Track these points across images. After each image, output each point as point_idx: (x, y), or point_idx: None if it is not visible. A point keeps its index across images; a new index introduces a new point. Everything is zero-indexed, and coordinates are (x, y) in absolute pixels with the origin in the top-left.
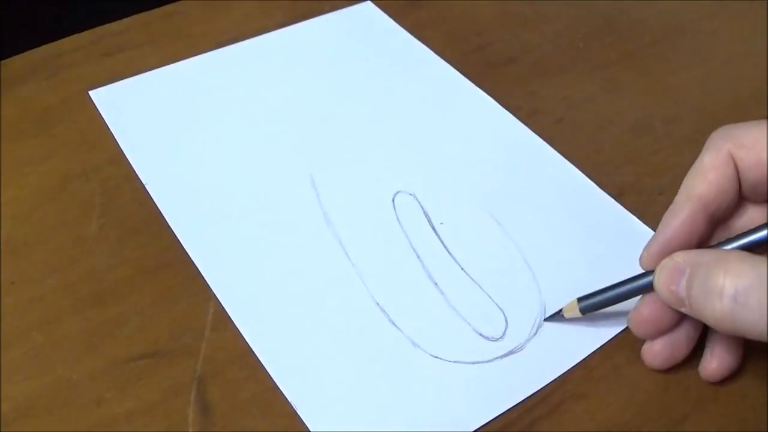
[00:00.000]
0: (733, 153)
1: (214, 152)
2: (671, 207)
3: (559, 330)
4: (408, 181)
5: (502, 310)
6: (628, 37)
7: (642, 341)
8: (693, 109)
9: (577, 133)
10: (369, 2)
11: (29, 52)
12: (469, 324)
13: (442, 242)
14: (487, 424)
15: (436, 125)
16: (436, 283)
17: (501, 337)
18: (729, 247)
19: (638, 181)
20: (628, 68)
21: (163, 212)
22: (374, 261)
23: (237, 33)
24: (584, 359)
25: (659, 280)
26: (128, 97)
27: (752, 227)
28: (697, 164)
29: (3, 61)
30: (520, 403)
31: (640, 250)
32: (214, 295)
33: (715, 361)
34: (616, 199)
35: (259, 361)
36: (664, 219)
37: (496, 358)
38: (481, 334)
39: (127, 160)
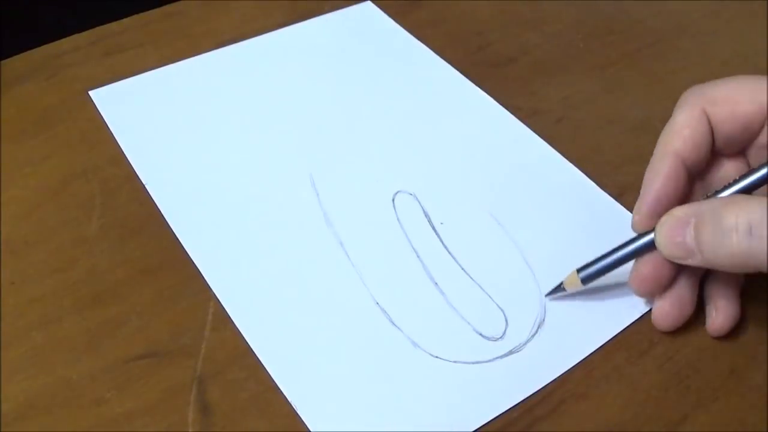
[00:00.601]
0: (706, 109)
1: (214, 152)
2: (650, 167)
3: (559, 330)
4: (408, 181)
5: (502, 310)
6: (628, 37)
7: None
8: None
9: (577, 133)
10: (369, 2)
11: (29, 52)
12: (469, 324)
13: (442, 242)
14: (487, 424)
15: (436, 125)
16: (436, 283)
17: (501, 337)
18: (719, 196)
19: (638, 181)
20: (628, 68)
21: (163, 212)
22: (374, 261)
23: (237, 33)
24: (584, 359)
25: (662, 235)
26: (128, 97)
27: (730, 180)
28: (672, 123)
29: (3, 61)
30: (520, 403)
31: None
32: (214, 295)
33: (720, 315)
34: (616, 199)
35: (259, 361)
36: (645, 180)
37: (496, 358)
38: (481, 334)
39: (127, 160)
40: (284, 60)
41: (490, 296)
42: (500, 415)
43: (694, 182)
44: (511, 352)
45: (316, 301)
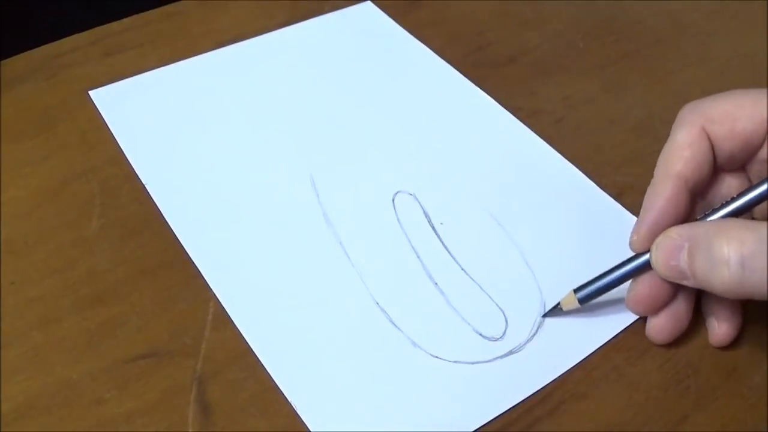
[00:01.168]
0: (706, 128)
1: (214, 152)
2: (651, 188)
3: (559, 330)
4: (408, 181)
5: (502, 310)
6: (628, 37)
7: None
8: None
9: (577, 133)
10: (369, 2)
11: (29, 52)
12: (469, 324)
13: (442, 242)
14: (487, 424)
15: (435, 125)
16: (436, 283)
17: (501, 337)
18: (716, 216)
19: (638, 181)
20: (628, 68)
21: (163, 212)
22: (374, 261)
23: (237, 33)
24: (584, 359)
25: (657, 257)
26: (128, 97)
27: (732, 195)
28: (671, 142)
29: (3, 61)
30: (520, 403)
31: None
32: (214, 295)
33: (723, 326)
34: (616, 199)
35: (259, 361)
36: (646, 201)
37: (496, 358)
38: (481, 334)
39: (127, 160)
40: (284, 60)
41: (490, 296)
42: (500, 415)
43: (696, 198)
44: (511, 353)
45: (316, 301)
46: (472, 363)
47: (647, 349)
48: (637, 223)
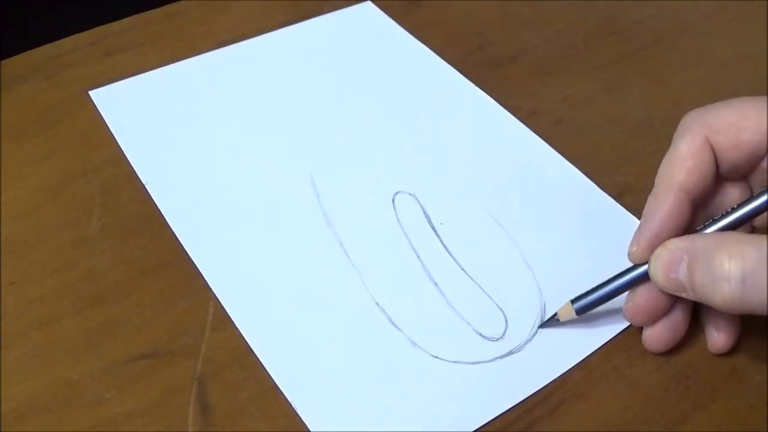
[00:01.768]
0: (709, 138)
1: (214, 152)
2: (652, 198)
3: (559, 330)
4: (408, 181)
5: (502, 310)
6: (628, 37)
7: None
8: (693, 109)
9: (577, 133)
10: (369, 2)
11: (29, 52)
12: (469, 324)
13: (442, 242)
14: (487, 424)
15: (436, 125)
16: (436, 283)
17: (501, 337)
18: (716, 227)
19: (638, 181)
20: (628, 68)
21: (163, 212)
22: (374, 261)
23: (237, 33)
24: (584, 359)
25: (656, 269)
26: (128, 97)
27: (733, 205)
28: (674, 152)
29: (3, 61)
30: (520, 403)
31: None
32: (214, 295)
33: (723, 335)
34: (616, 199)
35: (259, 361)
36: (647, 211)
37: (496, 358)
38: (481, 334)
39: (127, 160)
40: (284, 60)
41: (490, 296)
42: (500, 415)
43: (698, 207)
44: (511, 353)
45: (316, 301)
46: (472, 363)
47: (647, 350)
48: (636, 234)
